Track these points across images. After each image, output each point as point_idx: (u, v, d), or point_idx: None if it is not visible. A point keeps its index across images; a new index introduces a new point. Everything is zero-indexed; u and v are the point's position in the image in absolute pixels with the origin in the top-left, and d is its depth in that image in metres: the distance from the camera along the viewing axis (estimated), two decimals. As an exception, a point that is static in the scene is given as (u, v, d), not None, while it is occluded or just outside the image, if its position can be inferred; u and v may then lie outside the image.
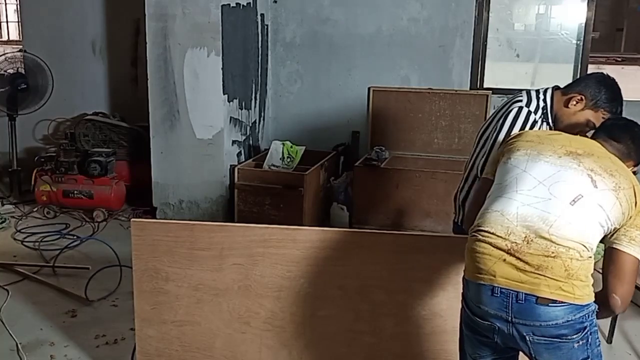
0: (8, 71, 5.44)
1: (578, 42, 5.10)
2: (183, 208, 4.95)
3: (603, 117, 2.43)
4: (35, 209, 5.20)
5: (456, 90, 5.16)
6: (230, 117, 4.88)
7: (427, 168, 4.79)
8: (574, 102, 2.47)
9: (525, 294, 1.81)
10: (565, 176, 1.92)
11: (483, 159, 2.56)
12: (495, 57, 5.28)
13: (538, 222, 1.85)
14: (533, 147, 2.03)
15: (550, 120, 2.53)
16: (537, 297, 1.79)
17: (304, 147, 4.97)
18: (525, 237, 1.84)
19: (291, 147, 4.92)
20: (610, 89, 2.45)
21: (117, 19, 5.80)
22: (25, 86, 5.43)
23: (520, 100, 2.55)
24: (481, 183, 2.29)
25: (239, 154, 5.05)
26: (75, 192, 5.13)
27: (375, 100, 5.30)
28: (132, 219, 2.72)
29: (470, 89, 5.19)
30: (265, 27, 5.41)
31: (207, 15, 4.63)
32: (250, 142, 5.27)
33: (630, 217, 1.90)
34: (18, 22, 9.90)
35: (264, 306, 2.64)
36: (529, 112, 2.50)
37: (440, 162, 5.00)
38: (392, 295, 2.58)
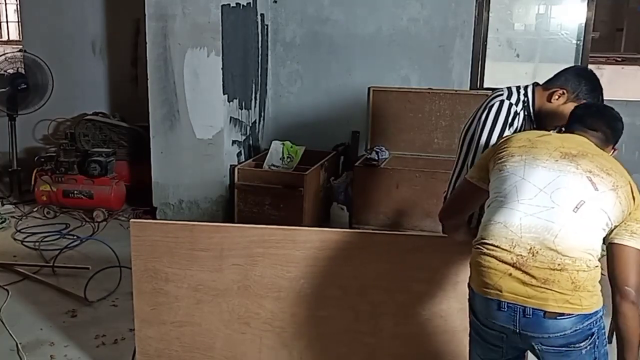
0: (8, 71, 5.44)
1: (578, 42, 5.09)
2: (183, 208, 4.95)
3: None
4: (35, 209, 5.20)
5: (456, 90, 5.15)
6: (230, 117, 4.88)
7: (427, 168, 4.79)
8: (557, 97, 2.50)
9: (533, 308, 1.79)
10: (565, 182, 1.87)
11: (471, 157, 2.58)
12: (495, 57, 5.27)
13: (543, 232, 1.82)
14: (527, 152, 1.97)
15: (532, 114, 2.57)
16: (545, 312, 1.79)
17: (304, 147, 4.97)
18: (531, 249, 1.82)
19: (291, 147, 4.92)
20: (590, 80, 2.49)
21: (117, 19, 5.79)
22: (25, 86, 5.43)
23: (502, 94, 2.59)
24: (463, 185, 2.23)
25: (239, 154, 5.05)
26: (75, 192, 5.13)
27: (375, 100, 5.29)
28: (132, 220, 2.72)
29: (470, 89, 5.18)
30: (265, 27, 5.41)
31: (207, 15, 4.63)
32: (250, 142, 5.27)
33: (630, 213, 1.89)
34: (18, 22, 9.88)
35: (264, 306, 2.64)
36: (510, 104, 2.54)
37: (440, 162, 4.98)
38: (392, 295, 2.58)
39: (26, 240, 4.67)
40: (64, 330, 3.36)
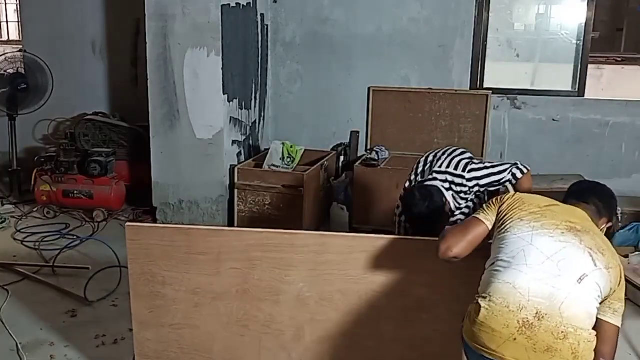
0: (8, 71, 5.44)
1: (578, 42, 5.09)
2: (183, 208, 4.95)
3: None
4: (35, 209, 5.20)
5: (456, 90, 5.15)
6: (230, 117, 4.87)
7: (427, 168, 4.78)
8: None
9: None
10: (571, 254, 2.00)
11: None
12: (495, 57, 5.27)
13: (550, 298, 1.91)
14: (536, 220, 2.09)
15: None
16: None
17: (303, 147, 4.97)
18: (537, 313, 1.90)
19: (291, 147, 4.92)
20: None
21: (117, 19, 5.80)
22: (25, 86, 5.43)
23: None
24: (474, 224, 2.27)
25: (239, 154, 5.05)
26: (75, 192, 5.13)
27: (375, 100, 5.29)
28: (127, 224, 2.71)
29: (470, 89, 5.18)
30: (265, 27, 5.40)
31: (207, 15, 4.62)
32: (250, 142, 5.27)
33: (614, 292, 2.03)
34: (18, 22, 9.89)
35: (263, 310, 2.64)
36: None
37: (440, 162, 4.98)
38: (391, 298, 2.58)
39: (26, 240, 4.68)
40: (64, 330, 3.37)
